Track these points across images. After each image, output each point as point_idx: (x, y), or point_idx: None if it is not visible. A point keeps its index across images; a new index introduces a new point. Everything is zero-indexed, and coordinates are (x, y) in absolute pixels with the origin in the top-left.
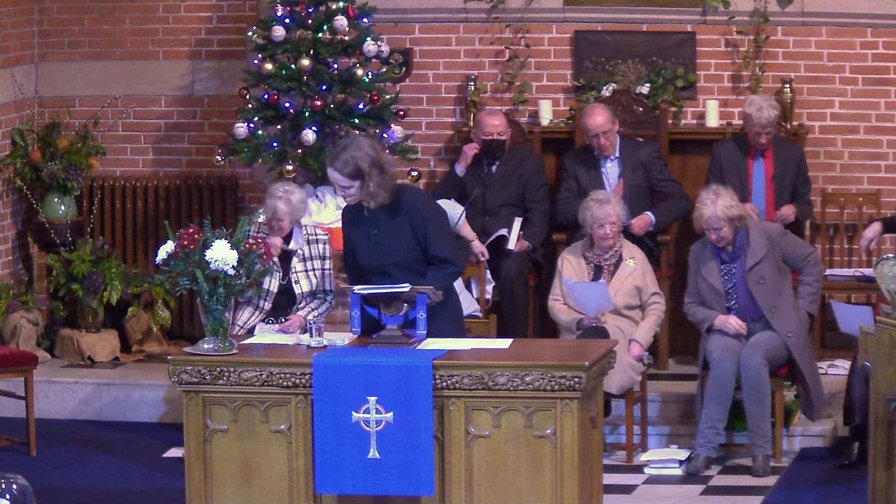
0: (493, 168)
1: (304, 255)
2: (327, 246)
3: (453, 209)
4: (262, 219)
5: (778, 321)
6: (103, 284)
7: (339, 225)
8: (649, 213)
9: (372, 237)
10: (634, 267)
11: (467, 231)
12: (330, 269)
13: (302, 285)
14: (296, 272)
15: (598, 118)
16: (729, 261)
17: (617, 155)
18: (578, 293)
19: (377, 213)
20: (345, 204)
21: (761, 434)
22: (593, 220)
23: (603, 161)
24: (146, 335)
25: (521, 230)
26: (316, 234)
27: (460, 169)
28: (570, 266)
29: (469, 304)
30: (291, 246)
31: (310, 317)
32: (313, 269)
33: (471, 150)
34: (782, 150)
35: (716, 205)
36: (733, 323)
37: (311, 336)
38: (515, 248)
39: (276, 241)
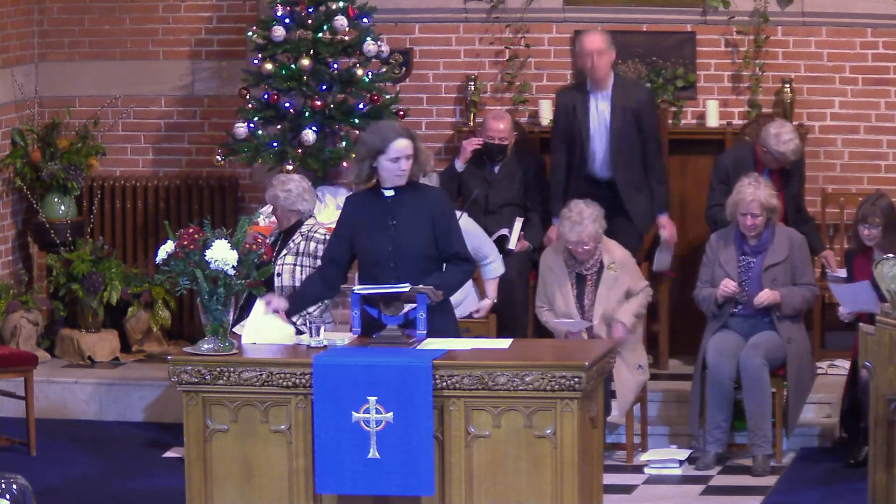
0: (495, 168)
1: (298, 249)
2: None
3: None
4: (261, 219)
5: (783, 325)
6: (103, 284)
7: None
8: (659, 214)
9: (391, 227)
10: (617, 273)
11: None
12: None
13: (284, 278)
14: (283, 264)
15: (596, 38)
16: (750, 253)
17: (609, 91)
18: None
19: (398, 203)
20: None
21: (761, 434)
22: (566, 239)
23: (594, 95)
24: (146, 335)
25: (521, 230)
26: (315, 232)
27: (459, 165)
28: (554, 276)
29: (474, 304)
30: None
31: (296, 317)
32: (302, 266)
33: (470, 145)
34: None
35: (759, 190)
36: (728, 285)
37: (311, 336)
38: (516, 248)
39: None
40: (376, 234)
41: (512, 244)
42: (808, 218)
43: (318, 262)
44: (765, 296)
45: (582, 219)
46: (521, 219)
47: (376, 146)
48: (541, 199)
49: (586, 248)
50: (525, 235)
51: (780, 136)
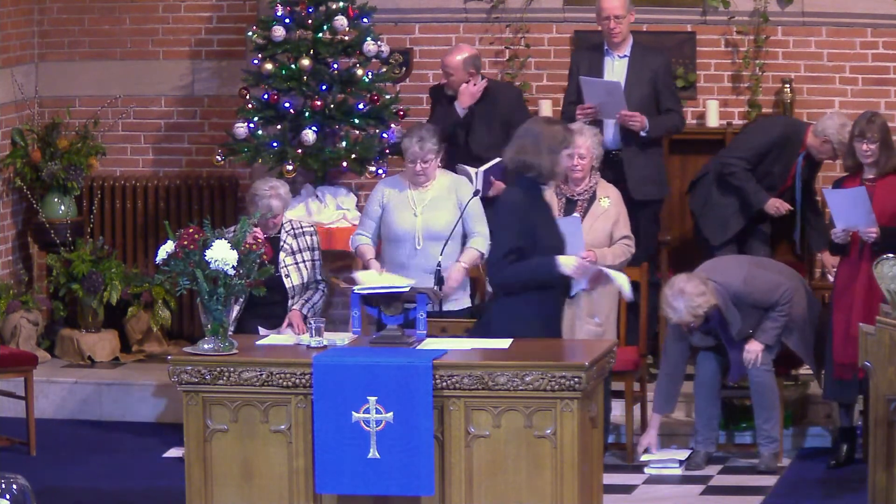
0: (470, 109)
1: (291, 248)
2: (315, 237)
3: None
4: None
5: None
6: (103, 284)
7: (340, 225)
8: (646, 118)
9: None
10: (607, 208)
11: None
12: (320, 260)
13: (293, 279)
14: (285, 265)
15: (614, 0)
16: (706, 332)
17: (627, 54)
18: None
19: None
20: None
21: (765, 435)
22: None
23: (610, 55)
24: (146, 335)
25: (490, 172)
26: (301, 227)
27: (461, 109)
28: None
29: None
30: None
31: (304, 309)
32: (303, 261)
33: (476, 89)
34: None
35: (682, 308)
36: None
37: (311, 336)
38: (490, 193)
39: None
40: (551, 231)
41: (477, 185)
42: (820, 211)
43: (316, 252)
44: (752, 353)
45: (582, 130)
46: (493, 162)
47: (566, 139)
48: None
49: (582, 161)
50: (505, 179)
51: (846, 127)
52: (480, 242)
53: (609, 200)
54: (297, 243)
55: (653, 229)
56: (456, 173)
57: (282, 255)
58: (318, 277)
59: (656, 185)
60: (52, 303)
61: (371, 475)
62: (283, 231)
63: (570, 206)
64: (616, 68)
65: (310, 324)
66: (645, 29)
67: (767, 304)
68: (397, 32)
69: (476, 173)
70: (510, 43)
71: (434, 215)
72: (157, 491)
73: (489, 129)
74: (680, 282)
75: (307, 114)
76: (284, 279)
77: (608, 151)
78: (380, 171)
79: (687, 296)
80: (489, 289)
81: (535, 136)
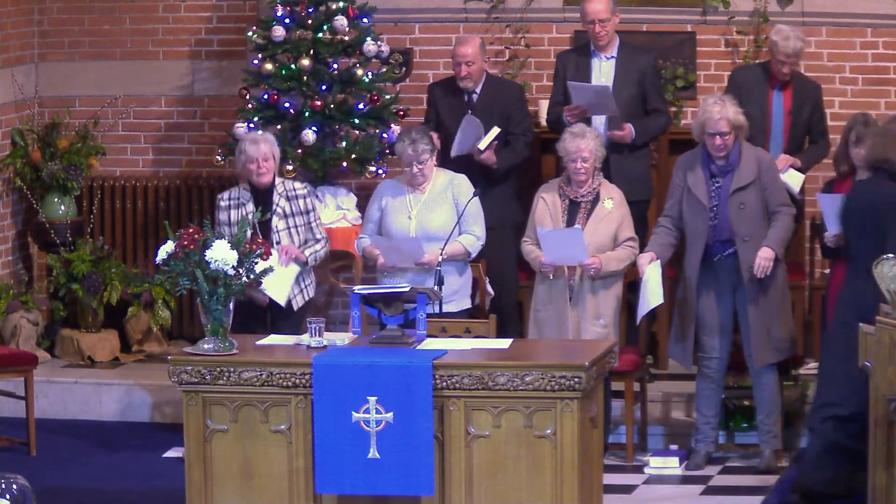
0: (473, 98)
1: (284, 211)
2: (309, 199)
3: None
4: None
5: (745, 251)
6: (103, 284)
7: (340, 225)
8: (630, 125)
9: None
10: (611, 210)
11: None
12: (317, 220)
13: (284, 244)
14: (277, 231)
15: (598, 4)
16: (718, 174)
17: (614, 55)
18: (552, 242)
19: None
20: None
21: (767, 430)
22: (566, 153)
23: (597, 56)
24: (146, 335)
25: (496, 140)
26: (294, 189)
27: (473, 94)
28: (544, 204)
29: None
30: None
31: (306, 251)
32: (296, 226)
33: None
34: (801, 85)
35: (725, 108)
36: (642, 262)
37: (311, 336)
38: (483, 156)
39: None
40: None
41: (482, 145)
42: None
43: (311, 214)
44: (764, 260)
45: (584, 132)
46: (499, 129)
47: None
48: (523, 123)
49: (585, 164)
50: (500, 156)
51: (781, 31)
52: (470, 240)
53: (613, 202)
54: (290, 206)
55: (640, 230)
56: (462, 131)
57: (274, 219)
58: (318, 236)
59: (642, 186)
60: (52, 303)
61: (371, 475)
62: (275, 192)
63: (573, 208)
64: (603, 69)
65: (310, 324)
66: (645, 29)
67: (774, 200)
68: (397, 32)
69: (493, 132)
70: (510, 43)
71: (429, 217)
72: (157, 491)
73: (489, 122)
74: (721, 95)
75: (307, 114)
76: (275, 246)
77: None
78: (380, 171)
79: (730, 103)
80: (489, 290)
81: (894, 134)
